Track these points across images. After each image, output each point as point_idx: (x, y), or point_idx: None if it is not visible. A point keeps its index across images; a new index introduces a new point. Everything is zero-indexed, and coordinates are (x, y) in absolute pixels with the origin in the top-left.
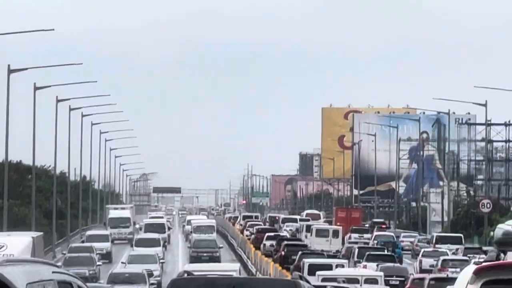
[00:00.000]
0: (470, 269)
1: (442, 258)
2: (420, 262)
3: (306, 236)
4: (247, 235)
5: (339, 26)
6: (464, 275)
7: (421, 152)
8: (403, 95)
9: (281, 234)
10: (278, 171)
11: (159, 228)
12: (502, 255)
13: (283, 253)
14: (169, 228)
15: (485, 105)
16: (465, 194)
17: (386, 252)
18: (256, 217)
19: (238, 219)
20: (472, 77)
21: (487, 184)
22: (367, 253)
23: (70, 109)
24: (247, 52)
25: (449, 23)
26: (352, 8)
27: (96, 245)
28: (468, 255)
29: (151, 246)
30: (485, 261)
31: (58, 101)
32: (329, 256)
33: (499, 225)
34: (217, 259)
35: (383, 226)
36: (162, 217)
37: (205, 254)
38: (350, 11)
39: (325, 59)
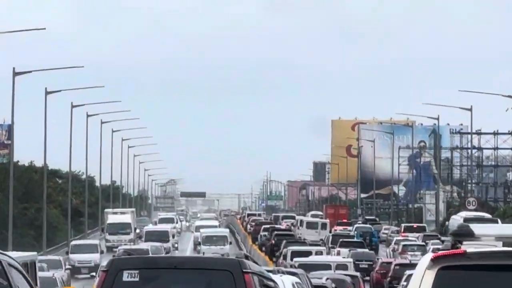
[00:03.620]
0: (428, 256)
1: (402, 243)
2: (394, 249)
3: (299, 228)
4: (248, 229)
5: (340, 50)
6: (423, 261)
7: (420, 159)
8: (404, 108)
9: (276, 226)
10: (293, 177)
11: (161, 236)
12: (458, 244)
13: (273, 241)
14: (173, 236)
15: (470, 109)
16: (457, 196)
17: (356, 239)
18: (259, 214)
19: (244, 217)
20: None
21: (472, 187)
22: (340, 240)
23: (88, 116)
24: (264, 71)
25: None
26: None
27: (82, 256)
28: (426, 241)
29: None
30: (441, 250)
31: (73, 106)
32: (313, 245)
33: (452, 216)
34: None
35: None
36: (172, 219)
37: None
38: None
39: (331, 77)
